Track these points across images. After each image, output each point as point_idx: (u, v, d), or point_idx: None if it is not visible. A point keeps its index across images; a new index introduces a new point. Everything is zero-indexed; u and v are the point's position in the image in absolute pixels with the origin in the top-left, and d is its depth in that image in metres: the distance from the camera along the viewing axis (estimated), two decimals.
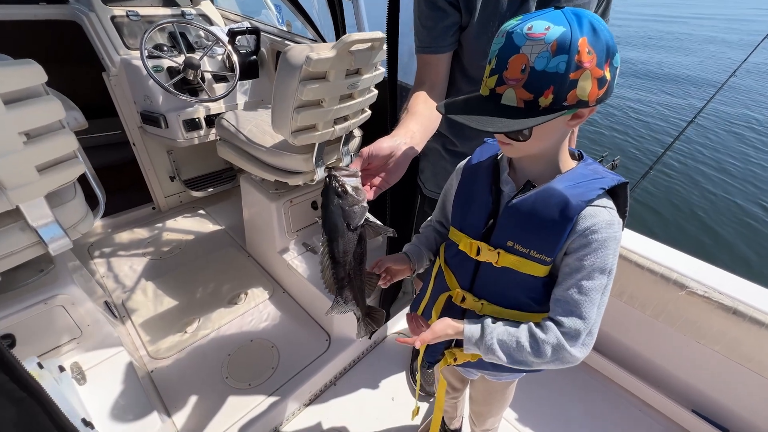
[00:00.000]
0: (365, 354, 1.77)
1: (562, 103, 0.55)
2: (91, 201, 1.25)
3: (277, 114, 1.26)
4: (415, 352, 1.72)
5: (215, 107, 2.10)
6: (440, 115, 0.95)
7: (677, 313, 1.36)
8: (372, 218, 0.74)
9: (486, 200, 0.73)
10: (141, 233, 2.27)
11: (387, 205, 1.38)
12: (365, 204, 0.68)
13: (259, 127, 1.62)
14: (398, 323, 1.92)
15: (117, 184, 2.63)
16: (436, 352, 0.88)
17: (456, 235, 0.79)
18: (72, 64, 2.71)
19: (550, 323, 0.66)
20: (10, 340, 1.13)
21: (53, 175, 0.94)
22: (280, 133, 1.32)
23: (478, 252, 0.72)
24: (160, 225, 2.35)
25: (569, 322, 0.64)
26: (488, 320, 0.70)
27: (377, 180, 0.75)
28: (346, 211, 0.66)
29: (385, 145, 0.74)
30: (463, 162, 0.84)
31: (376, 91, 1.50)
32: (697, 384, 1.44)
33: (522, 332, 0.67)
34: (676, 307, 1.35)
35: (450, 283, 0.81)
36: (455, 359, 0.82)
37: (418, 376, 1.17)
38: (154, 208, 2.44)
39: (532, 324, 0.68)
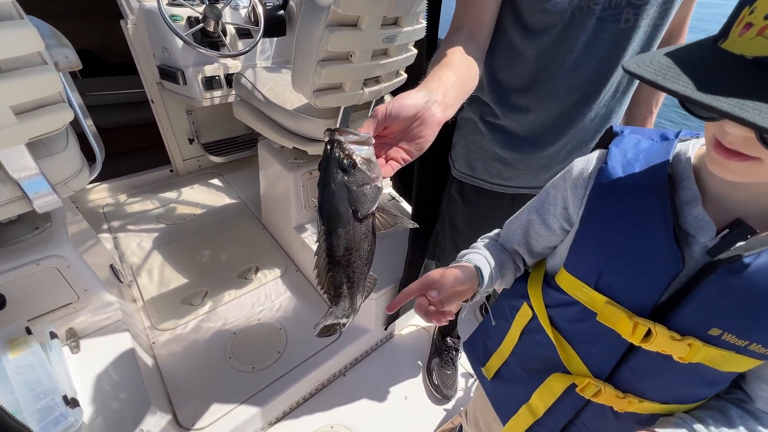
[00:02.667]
0: (379, 345, 1.63)
1: None
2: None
3: (297, 68, 1.07)
4: (436, 349, 1.57)
5: (236, 65, 1.94)
6: (478, 74, 0.69)
7: None
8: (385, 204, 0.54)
9: (665, 255, 0.46)
10: (157, 196, 2.18)
11: (414, 183, 1.14)
12: (380, 184, 0.48)
13: (279, 86, 1.44)
14: (413, 316, 1.76)
15: (136, 144, 2.57)
16: (516, 402, 0.67)
17: (585, 294, 0.53)
18: (94, 19, 2.62)
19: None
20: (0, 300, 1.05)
21: (35, 119, 0.80)
22: (301, 92, 1.14)
23: (646, 336, 0.47)
24: (176, 189, 2.26)
25: None
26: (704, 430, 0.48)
27: (396, 151, 0.54)
28: (354, 192, 0.46)
29: (408, 102, 0.52)
30: (586, 166, 0.54)
31: (414, 51, 1.28)
32: None
33: None
34: None
35: (568, 360, 0.58)
36: None
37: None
38: (172, 171, 2.35)
39: (747, 420, 0.49)
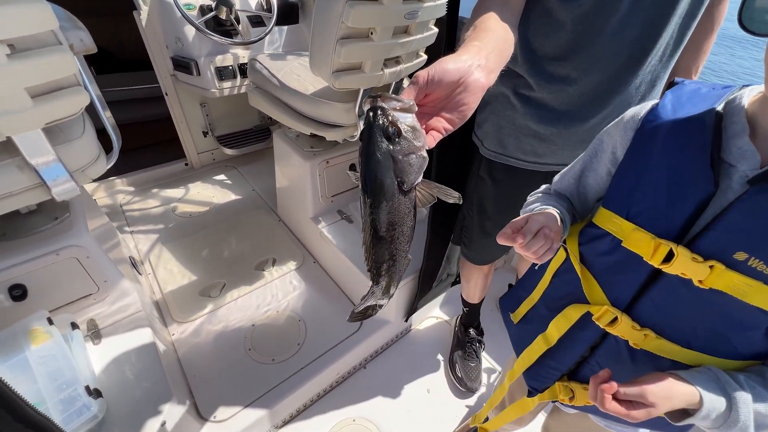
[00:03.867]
0: (400, 337, 1.59)
1: None
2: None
3: (316, 47, 1.03)
4: (458, 341, 1.53)
5: (251, 54, 1.91)
6: (514, 40, 0.65)
7: None
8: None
9: (698, 178, 0.46)
10: (172, 190, 2.18)
11: (432, 164, 1.05)
12: (425, 153, 0.46)
13: (295, 71, 1.40)
14: (433, 308, 1.71)
15: (151, 138, 2.58)
16: (545, 379, 0.66)
17: (615, 224, 0.54)
18: (106, 14, 2.62)
19: None
20: (20, 290, 1.04)
21: (50, 103, 0.78)
22: (319, 74, 1.10)
23: (668, 258, 0.47)
24: (191, 182, 2.25)
25: None
26: (733, 385, 0.45)
27: (437, 121, 0.50)
28: (399, 162, 0.44)
29: (451, 66, 0.49)
30: (639, 110, 0.55)
31: (435, 30, 1.22)
32: None
33: None
34: None
35: (590, 292, 0.58)
36: (572, 397, 0.60)
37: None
38: (186, 165, 2.35)
39: None
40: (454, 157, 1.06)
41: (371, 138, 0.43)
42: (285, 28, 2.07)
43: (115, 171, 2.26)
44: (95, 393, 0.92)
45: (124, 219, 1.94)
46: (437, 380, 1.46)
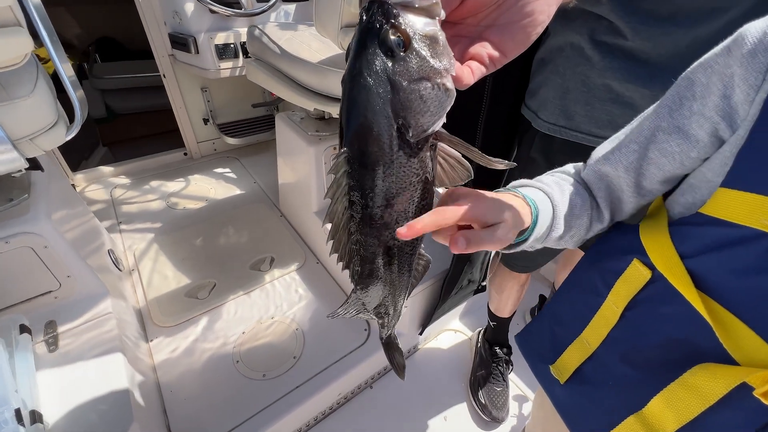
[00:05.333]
0: (412, 353, 1.37)
1: None
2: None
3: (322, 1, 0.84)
4: (481, 360, 1.30)
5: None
6: None
7: None
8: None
9: None
10: (169, 180, 2.02)
11: (477, 139, 0.84)
12: (449, 84, 0.30)
13: (300, 36, 1.21)
14: (451, 319, 1.49)
15: (149, 127, 2.45)
16: (612, 414, 0.42)
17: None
18: (116, 3, 2.52)
19: None
20: None
21: None
22: (325, 32, 0.91)
23: None
24: (189, 173, 2.09)
25: None
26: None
27: (481, 46, 0.32)
28: (403, 91, 0.29)
29: None
30: None
31: None
32: None
33: None
34: None
35: (734, 343, 0.34)
36: None
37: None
38: (185, 154, 2.19)
39: None
40: (500, 134, 0.84)
41: (360, 50, 0.28)
42: (293, 5, 1.89)
43: (112, 159, 2.12)
44: (31, 417, 0.73)
45: (114, 210, 1.78)
46: (456, 406, 1.24)
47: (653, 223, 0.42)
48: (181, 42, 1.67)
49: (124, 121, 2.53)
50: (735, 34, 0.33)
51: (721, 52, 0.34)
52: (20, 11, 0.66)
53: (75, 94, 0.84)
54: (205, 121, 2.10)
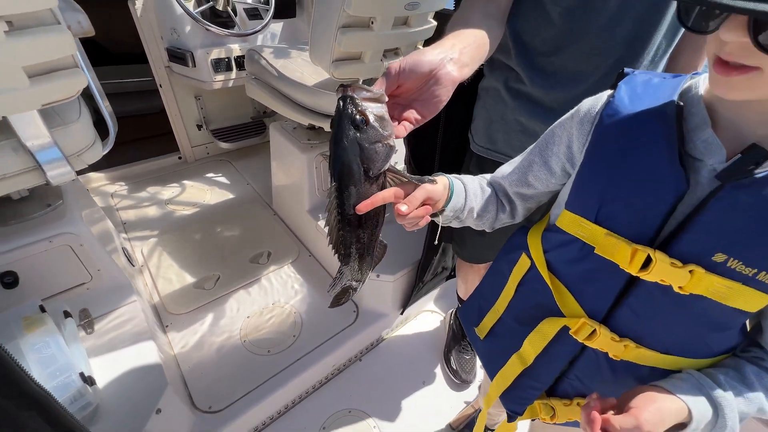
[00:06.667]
0: (395, 330, 1.59)
1: None
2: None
3: (317, 35, 1.03)
4: (453, 334, 1.54)
5: (247, 46, 1.90)
6: (499, 36, 0.67)
7: None
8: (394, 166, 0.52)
9: (668, 178, 0.43)
10: (165, 183, 2.15)
11: (436, 158, 1.09)
12: (392, 142, 0.48)
13: (294, 62, 1.40)
14: (428, 302, 1.72)
15: (144, 131, 2.54)
16: (525, 400, 0.62)
17: (585, 229, 0.50)
18: (97, 6, 2.58)
19: None
20: (12, 277, 1.02)
21: (48, 84, 0.77)
22: (319, 63, 1.10)
23: (645, 265, 0.44)
24: (185, 176, 2.22)
25: None
26: (717, 390, 0.44)
27: (409, 112, 0.52)
28: (366, 149, 0.46)
29: (423, 58, 0.50)
30: (595, 103, 0.52)
31: (434, 23, 1.24)
32: None
33: (761, 393, 0.45)
34: None
35: (563, 304, 0.55)
36: (553, 415, 0.58)
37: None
38: (180, 158, 2.32)
39: (765, 378, 0.46)
40: (454, 155, 1.07)
41: (340, 125, 0.45)
42: (282, 22, 2.06)
43: (107, 164, 2.23)
44: (89, 380, 0.90)
45: (115, 211, 1.91)
46: (432, 372, 1.47)
47: (535, 229, 0.63)
48: (178, 56, 1.82)
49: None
50: (578, 105, 0.55)
51: (569, 116, 0.56)
52: (78, 56, 0.83)
53: (110, 120, 1.01)
54: (199, 126, 2.24)
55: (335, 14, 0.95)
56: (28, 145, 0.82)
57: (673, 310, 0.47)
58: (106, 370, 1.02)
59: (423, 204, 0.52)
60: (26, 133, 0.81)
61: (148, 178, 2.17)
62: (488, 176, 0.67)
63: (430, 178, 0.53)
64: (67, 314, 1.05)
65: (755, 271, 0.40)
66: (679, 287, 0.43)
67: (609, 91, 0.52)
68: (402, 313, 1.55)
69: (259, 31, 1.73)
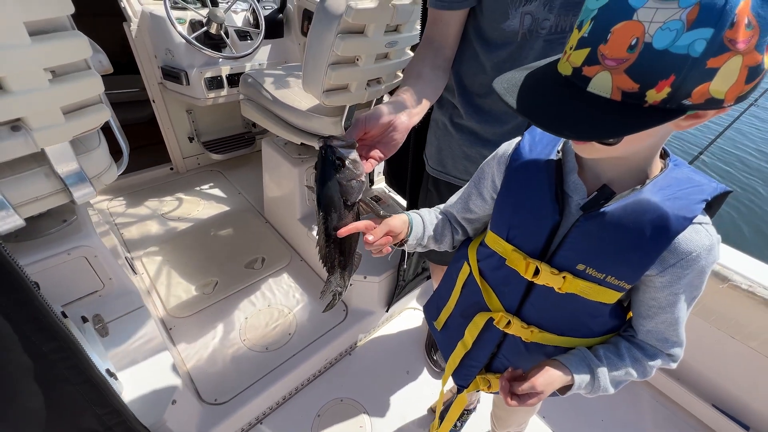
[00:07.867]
0: (381, 326, 1.75)
1: (681, 101, 0.37)
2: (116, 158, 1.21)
3: (309, 70, 1.19)
4: (434, 336, 1.69)
5: (238, 65, 2.02)
6: (445, 81, 0.85)
7: (714, 308, 1.30)
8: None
9: (549, 210, 0.58)
10: (158, 194, 2.24)
11: (408, 183, 1.28)
12: (363, 179, 0.62)
13: (286, 86, 1.55)
14: (410, 300, 1.89)
15: (135, 142, 2.60)
16: (468, 376, 0.79)
17: (500, 245, 0.66)
18: (94, 15, 2.64)
19: (648, 346, 0.62)
20: (34, 287, 1.12)
21: (79, 119, 0.89)
22: (311, 92, 1.25)
23: (536, 273, 0.60)
24: (177, 186, 2.32)
25: (673, 350, 0.61)
26: (595, 361, 0.61)
27: (374, 152, 0.68)
28: (344, 185, 0.60)
29: (385, 111, 0.67)
30: (508, 148, 0.67)
31: (411, 54, 1.41)
32: (720, 379, 1.40)
33: (628, 362, 0.62)
34: (713, 300, 1.29)
35: (490, 301, 0.71)
36: (489, 386, 0.75)
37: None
38: (171, 169, 2.41)
39: (633, 351, 0.62)
40: (419, 174, 1.23)
41: (323, 168, 0.60)
42: (270, 41, 2.20)
43: None
44: (114, 376, 1.02)
45: (114, 223, 2.00)
46: (415, 363, 1.64)
47: (473, 243, 0.76)
48: (173, 75, 1.92)
49: (104, 134, 2.67)
50: (498, 148, 0.70)
51: (492, 156, 0.70)
52: (104, 95, 0.95)
53: (123, 142, 1.13)
54: (190, 139, 2.34)
55: (326, 53, 1.11)
56: (58, 170, 0.94)
57: (559, 305, 0.62)
58: (123, 368, 1.14)
59: (386, 235, 0.65)
60: (58, 161, 0.93)
61: (141, 189, 2.26)
62: (441, 206, 0.82)
63: (382, 211, 0.70)
64: (84, 319, 1.16)
65: (604, 275, 0.55)
66: (558, 288, 0.59)
67: (518, 139, 0.66)
68: (387, 311, 1.71)
69: (251, 53, 1.86)
